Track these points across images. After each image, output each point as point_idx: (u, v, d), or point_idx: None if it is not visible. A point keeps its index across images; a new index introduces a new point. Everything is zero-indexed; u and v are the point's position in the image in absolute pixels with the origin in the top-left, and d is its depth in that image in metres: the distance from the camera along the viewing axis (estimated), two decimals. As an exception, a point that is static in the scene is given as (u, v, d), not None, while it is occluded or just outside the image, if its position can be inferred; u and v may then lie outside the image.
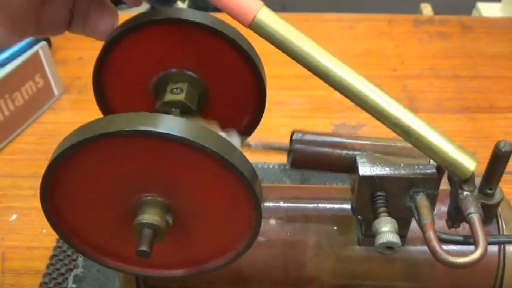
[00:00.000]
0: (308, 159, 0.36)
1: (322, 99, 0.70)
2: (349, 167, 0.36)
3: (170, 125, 0.27)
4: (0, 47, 0.32)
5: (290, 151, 0.37)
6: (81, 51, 0.77)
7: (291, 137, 0.37)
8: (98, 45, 0.36)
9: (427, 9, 1.24)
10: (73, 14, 0.34)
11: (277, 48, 0.31)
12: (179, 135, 0.27)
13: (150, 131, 0.27)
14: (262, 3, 0.30)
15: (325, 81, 0.31)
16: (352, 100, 0.31)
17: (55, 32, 0.35)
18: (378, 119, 0.31)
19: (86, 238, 0.33)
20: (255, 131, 0.40)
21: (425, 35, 0.83)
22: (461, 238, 0.33)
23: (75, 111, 0.70)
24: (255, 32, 0.31)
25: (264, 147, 0.37)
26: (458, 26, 0.85)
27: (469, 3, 1.23)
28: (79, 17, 0.34)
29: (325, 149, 0.36)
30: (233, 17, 0.30)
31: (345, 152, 0.36)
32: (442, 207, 0.37)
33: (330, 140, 0.36)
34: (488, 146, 0.33)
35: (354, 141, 0.37)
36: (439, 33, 0.83)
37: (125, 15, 0.36)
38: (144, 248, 0.29)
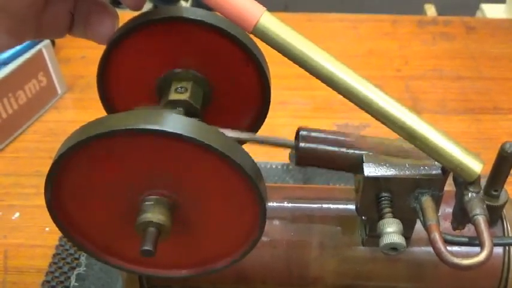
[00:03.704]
0: (314, 157, 0.36)
1: (325, 100, 0.70)
2: (355, 166, 0.35)
3: (176, 123, 0.27)
4: (0, 51, 0.32)
5: (295, 148, 0.36)
6: (84, 50, 0.77)
7: (297, 134, 0.36)
8: (101, 45, 0.35)
9: (431, 10, 1.24)
10: (74, 17, 0.34)
11: (281, 53, 0.31)
12: (185, 134, 0.27)
13: (156, 129, 0.27)
14: (264, 8, 0.30)
15: (329, 86, 0.31)
16: (356, 104, 0.31)
17: (56, 36, 0.35)
18: (383, 123, 0.31)
19: (89, 236, 0.33)
20: (258, 131, 0.40)
21: (429, 35, 0.83)
22: (466, 239, 0.33)
23: (78, 110, 0.70)
24: (257, 37, 0.31)
25: (269, 142, 0.37)
26: (462, 27, 0.85)
27: (473, 4, 1.23)
28: (80, 20, 0.34)
29: (332, 147, 0.36)
30: (235, 22, 0.30)
31: (351, 150, 0.35)
32: (447, 209, 0.37)
33: (337, 138, 0.36)
34: (491, 147, 0.33)
35: (360, 139, 0.37)
36: (442, 34, 0.83)
37: (127, 14, 0.36)
38: (148, 247, 0.28)
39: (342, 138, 0.36)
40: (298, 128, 0.36)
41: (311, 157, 0.36)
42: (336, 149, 0.36)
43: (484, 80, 0.75)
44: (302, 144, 0.35)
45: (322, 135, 0.36)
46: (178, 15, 0.34)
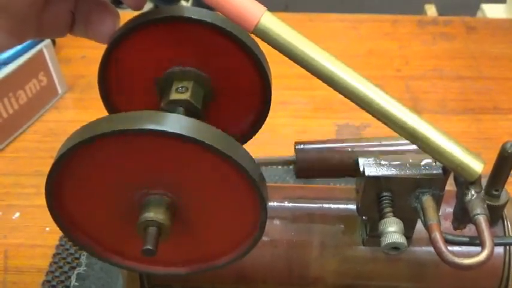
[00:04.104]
0: (313, 168, 0.37)
1: (326, 100, 0.70)
2: (354, 170, 0.35)
3: (176, 123, 0.27)
4: (0, 51, 0.32)
5: (293, 162, 0.37)
6: (84, 50, 0.77)
7: (294, 148, 0.37)
8: (101, 44, 0.35)
9: (431, 10, 1.24)
10: (75, 17, 0.34)
11: (281, 53, 0.31)
12: (185, 134, 0.27)
13: (157, 129, 0.27)
14: (265, 8, 0.30)
15: (330, 86, 0.31)
16: (357, 104, 0.31)
17: (57, 35, 0.35)
18: (384, 123, 0.31)
19: (90, 235, 0.33)
20: (259, 131, 0.40)
21: (429, 35, 0.83)
22: (467, 239, 0.33)
23: (78, 109, 0.70)
24: (258, 37, 0.31)
25: (269, 162, 0.37)
26: (462, 27, 0.85)
27: (474, 4, 1.23)
28: (81, 20, 0.34)
29: (329, 156, 0.36)
30: (236, 22, 0.30)
31: (348, 156, 0.36)
32: (448, 208, 0.37)
33: (332, 146, 0.36)
34: (491, 147, 0.33)
35: (356, 144, 0.37)
36: (443, 34, 0.83)
37: (128, 14, 0.36)
38: (149, 246, 0.28)
39: (338, 145, 0.36)
40: (295, 143, 0.37)
41: (310, 169, 0.36)
42: (333, 156, 0.36)
43: (484, 79, 0.75)
44: (299, 158, 0.36)
45: (317, 146, 0.36)
46: (179, 15, 0.34)
